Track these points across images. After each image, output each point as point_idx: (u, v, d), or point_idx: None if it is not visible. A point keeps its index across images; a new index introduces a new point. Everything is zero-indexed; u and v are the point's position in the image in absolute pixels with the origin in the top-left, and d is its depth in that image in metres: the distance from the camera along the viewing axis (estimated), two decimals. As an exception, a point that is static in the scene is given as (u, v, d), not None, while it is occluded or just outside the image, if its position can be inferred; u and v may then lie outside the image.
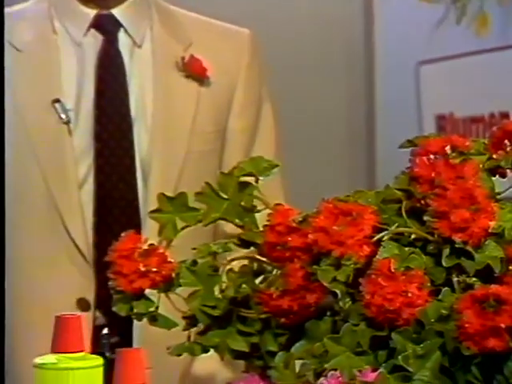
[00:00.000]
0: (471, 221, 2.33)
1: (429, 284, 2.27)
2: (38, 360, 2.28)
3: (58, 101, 3.16)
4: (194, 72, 3.21)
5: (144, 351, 2.31)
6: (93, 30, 3.21)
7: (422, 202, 2.36)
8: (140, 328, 2.63)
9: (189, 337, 2.39)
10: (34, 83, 3.22)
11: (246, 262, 2.42)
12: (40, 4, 3.28)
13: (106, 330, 2.57)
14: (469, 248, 2.31)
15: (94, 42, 3.21)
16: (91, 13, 3.22)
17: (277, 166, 2.51)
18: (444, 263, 2.30)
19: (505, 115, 3.94)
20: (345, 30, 4.60)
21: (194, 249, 2.42)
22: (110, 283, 2.43)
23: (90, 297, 3.04)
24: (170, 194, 2.46)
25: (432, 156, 2.45)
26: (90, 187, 3.19)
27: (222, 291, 2.38)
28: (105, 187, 3.18)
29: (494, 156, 2.47)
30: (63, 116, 3.16)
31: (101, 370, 2.29)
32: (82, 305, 2.97)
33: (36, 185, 3.21)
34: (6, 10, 3.14)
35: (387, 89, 4.50)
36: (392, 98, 4.40)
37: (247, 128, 3.28)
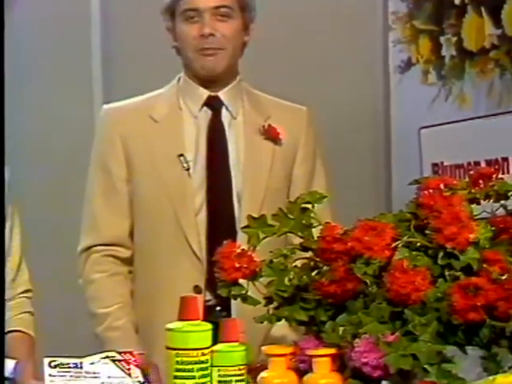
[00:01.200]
0: (458, 234, 2.41)
1: (429, 276, 2.35)
2: (169, 325, 2.38)
3: (182, 155, 3.29)
4: (271, 136, 3.34)
5: (239, 320, 2.49)
6: (205, 107, 3.35)
7: (425, 221, 2.45)
8: (236, 305, 2.69)
9: (268, 311, 2.49)
10: (166, 143, 3.30)
11: (305, 261, 2.52)
12: (171, 89, 3.40)
13: (218, 308, 2.58)
14: (456, 252, 2.39)
15: (205, 115, 3.34)
16: (204, 95, 3.34)
17: (326, 197, 2.62)
18: (439, 262, 2.39)
19: (477, 163, 3.90)
20: (369, 104, 4.38)
21: (271, 252, 2.53)
22: (215, 275, 2.55)
23: (202, 284, 3.13)
24: (255, 215, 2.57)
25: (431, 190, 2.54)
26: (203, 212, 3.28)
27: (289, 280, 2.48)
28: (213, 212, 3.29)
29: (472, 191, 2.57)
30: (185, 165, 3.29)
31: (210, 332, 2.38)
32: (197, 290, 3.04)
33: (167, 212, 3.28)
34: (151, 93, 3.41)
35: (399, 145, 4.29)
36: (402, 150, 4.25)
37: (306, 173, 3.36)
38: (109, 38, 4.59)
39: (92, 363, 2.23)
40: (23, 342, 3.03)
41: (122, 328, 3.21)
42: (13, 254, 3.09)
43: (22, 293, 3.10)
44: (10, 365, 2.39)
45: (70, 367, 2.22)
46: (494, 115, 3.99)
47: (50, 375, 2.18)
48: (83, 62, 4.58)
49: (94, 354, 2.30)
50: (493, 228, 2.46)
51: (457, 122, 4.13)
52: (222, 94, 3.34)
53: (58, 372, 2.20)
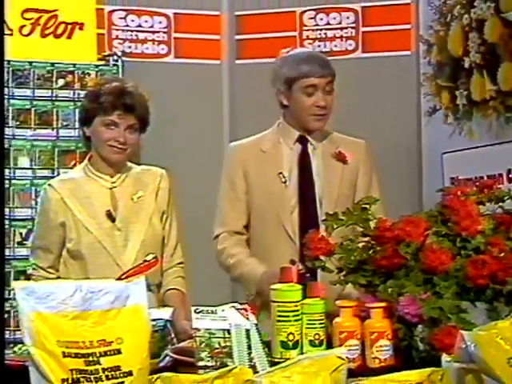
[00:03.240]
0: (470, 226, 2.40)
1: (450, 254, 2.34)
2: (273, 286, 2.33)
3: (280, 173, 3.21)
4: (341, 159, 3.25)
5: (321, 283, 2.44)
6: (297, 143, 3.25)
7: (447, 217, 2.43)
8: (319, 272, 2.58)
9: (339, 277, 2.47)
10: (270, 166, 3.22)
11: (365, 243, 2.48)
12: (273, 131, 3.30)
13: (307, 275, 2.53)
14: (469, 238, 2.38)
15: (297, 148, 3.25)
16: (296, 134, 3.24)
17: (378, 200, 2.62)
18: (457, 245, 2.38)
19: (482, 177, 3.85)
20: (407, 137, 4.32)
21: (342, 237, 2.51)
22: (305, 252, 2.55)
23: (296, 259, 3.01)
24: (331, 212, 2.56)
25: (451, 196, 2.51)
26: (296, 211, 3.18)
27: (354, 256, 2.45)
28: (302, 211, 3.19)
29: (479, 196, 2.54)
30: (283, 180, 3.20)
31: (300, 291, 2.32)
32: (292, 262, 2.91)
33: (271, 211, 3.20)
34: (259, 134, 3.33)
35: (428, 165, 4.25)
36: (430, 169, 4.22)
37: (365, 185, 3.25)
38: (234, 100, 4.60)
39: (223, 310, 2.22)
40: (178, 296, 3.05)
41: (251, 264, 3.11)
42: (171, 239, 3.12)
43: (178, 264, 3.12)
44: (169, 311, 2.38)
45: (208, 312, 2.20)
46: (492, 145, 3.97)
47: (196, 318, 2.18)
48: (217, 116, 4.57)
49: (224, 304, 2.26)
50: (494, 221, 2.44)
51: (467, 149, 4.10)
52: (307, 135, 3.26)
53: (201, 316, 2.19)
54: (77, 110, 3.95)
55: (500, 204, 2.51)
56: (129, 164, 3.09)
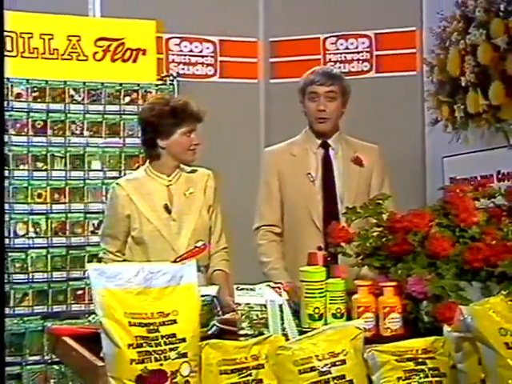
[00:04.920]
0: (468, 218, 2.38)
1: (451, 242, 2.32)
2: (302, 268, 2.33)
3: (309, 173, 3.21)
4: (358, 162, 3.24)
5: (342, 266, 2.41)
6: (320, 148, 3.26)
7: (448, 210, 2.42)
8: (339, 257, 2.50)
9: (357, 261, 2.45)
10: (300, 167, 3.23)
11: (379, 233, 2.44)
12: (301, 137, 3.30)
13: (329, 259, 2.51)
14: (466, 228, 2.36)
15: (320, 152, 3.26)
16: (319, 141, 3.26)
17: (390, 196, 2.57)
18: (457, 234, 2.37)
19: (476, 177, 3.82)
20: (413, 144, 4.24)
21: (359, 227, 2.47)
22: (328, 240, 2.51)
23: (322, 245, 3.00)
24: (350, 206, 2.53)
25: (451, 193, 2.49)
26: (321, 205, 3.18)
27: (370, 243, 2.42)
28: (326, 205, 3.19)
29: (475, 193, 2.52)
30: (311, 179, 3.21)
31: (325, 272, 2.31)
32: (318, 248, 2.92)
33: (301, 205, 3.19)
34: (288, 140, 3.31)
35: (431, 167, 4.23)
36: (433, 170, 4.18)
37: (378, 184, 3.23)
38: (269, 112, 4.56)
39: (260, 288, 2.21)
40: (223, 276, 3.05)
41: (278, 269, 3.15)
42: (217, 228, 3.10)
43: (222, 249, 3.11)
44: (215, 288, 2.37)
45: (248, 290, 2.20)
46: (484, 150, 3.91)
47: (237, 295, 2.18)
48: (254, 126, 4.53)
49: (261, 283, 2.27)
50: (487, 215, 2.42)
51: (464, 153, 4.04)
52: (329, 141, 3.26)
53: (242, 293, 2.18)
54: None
55: (492, 200, 2.49)
56: (181, 166, 3.08)
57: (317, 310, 2.23)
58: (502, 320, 1.97)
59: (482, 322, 1.96)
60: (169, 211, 2.99)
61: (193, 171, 3.10)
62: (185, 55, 4.43)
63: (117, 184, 3.07)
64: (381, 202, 2.49)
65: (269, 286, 2.23)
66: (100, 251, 3.15)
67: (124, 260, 2.99)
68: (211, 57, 4.48)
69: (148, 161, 3.10)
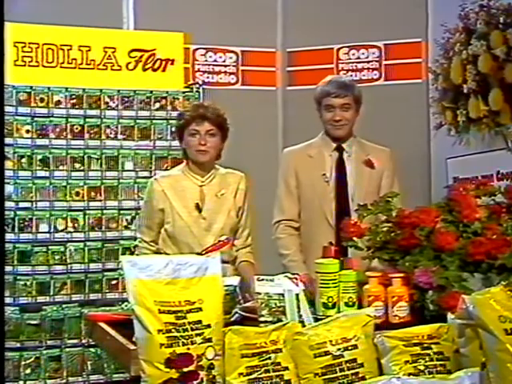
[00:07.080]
0: (470, 214, 2.37)
1: (455, 236, 2.31)
2: (317, 261, 2.34)
3: (324, 174, 3.16)
4: (369, 165, 3.20)
5: (354, 259, 2.40)
6: (335, 151, 3.22)
7: (452, 207, 2.41)
8: (350, 250, 2.52)
9: (368, 254, 2.45)
10: (316, 168, 3.18)
11: (388, 228, 2.44)
12: (318, 140, 3.25)
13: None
14: (469, 224, 2.35)
15: (334, 155, 3.21)
16: (334, 145, 3.22)
17: (398, 194, 2.57)
18: (460, 229, 2.36)
19: (476, 177, 3.78)
20: (420, 147, 4.16)
21: (370, 223, 2.49)
22: (341, 235, 2.51)
23: (333, 240, 2.96)
24: (361, 203, 2.54)
25: (455, 191, 2.47)
26: (334, 203, 3.13)
27: (380, 238, 2.44)
28: (339, 203, 3.14)
29: (477, 191, 2.50)
30: (326, 179, 3.16)
31: (338, 264, 2.31)
32: (331, 243, 2.84)
33: (316, 203, 3.15)
34: (306, 142, 3.27)
35: (436, 168, 4.19)
36: (437, 170, 4.15)
37: (388, 184, 3.19)
38: (287, 117, 4.52)
39: (278, 279, 2.20)
40: (248, 266, 3.05)
41: (297, 261, 3.12)
42: (245, 229, 3.09)
43: (248, 245, 3.10)
44: (237, 279, 2.36)
45: (267, 280, 2.19)
46: (485, 152, 3.86)
47: (257, 285, 2.17)
48: (273, 130, 4.51)
49: (279, 274, 2.25)
50: (488, 211, 2.40)
51: (466, 155, 3.99)
52: (343, 145, 3.22)
53: (262, 283, 2.18)
54: (169, 126, 4.07)
55: (492, 197, 2.47)
56: (217, 166, 3.06)
57: (330, 299, 2.23)
58: (501, 308, 1.95)
59: (483, 310, 1.95)
60: (199, 210, 2.98)
61: (228, 173, 3.08)
62: (209, 65, 4.43)
63: (154, 179, 3.07)
64: (390, 199, 2.49)
65: (286, 276, 2.22)
66: (133, 245, 3.18)
67: (157, 249, 2.99)
68: (233, 66, 4.47)
69: (185, 162, 3.09)
